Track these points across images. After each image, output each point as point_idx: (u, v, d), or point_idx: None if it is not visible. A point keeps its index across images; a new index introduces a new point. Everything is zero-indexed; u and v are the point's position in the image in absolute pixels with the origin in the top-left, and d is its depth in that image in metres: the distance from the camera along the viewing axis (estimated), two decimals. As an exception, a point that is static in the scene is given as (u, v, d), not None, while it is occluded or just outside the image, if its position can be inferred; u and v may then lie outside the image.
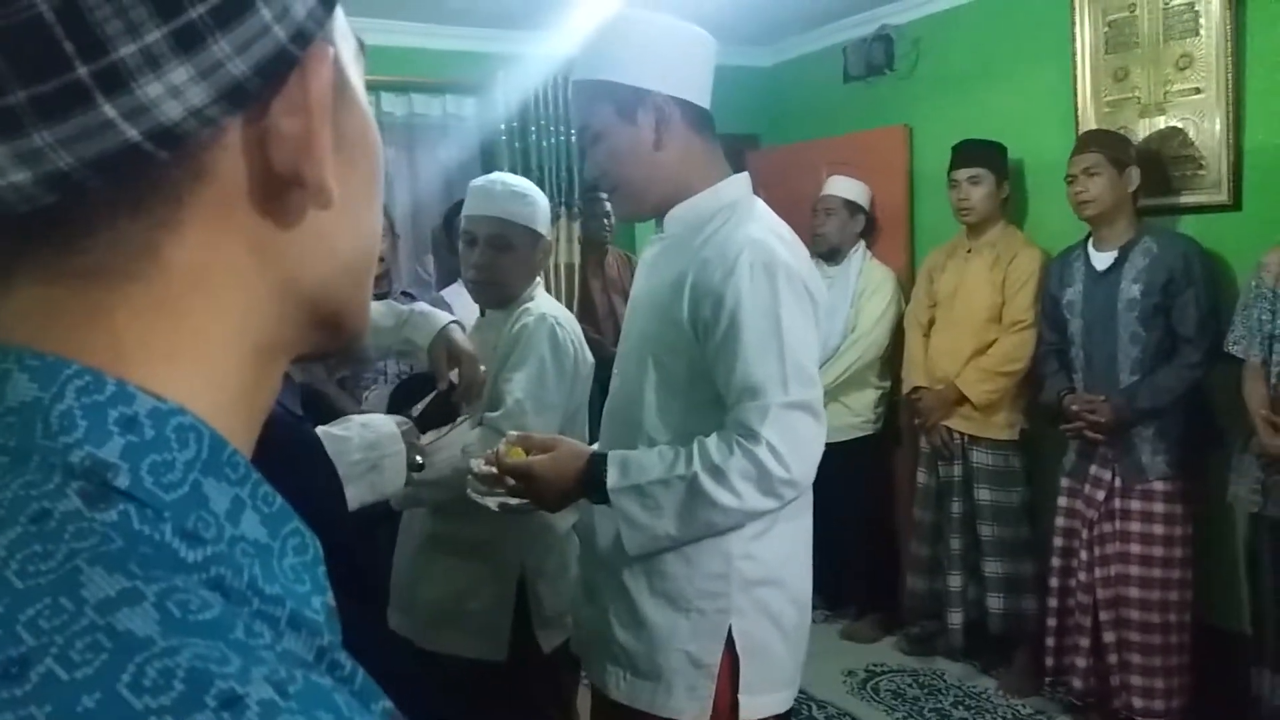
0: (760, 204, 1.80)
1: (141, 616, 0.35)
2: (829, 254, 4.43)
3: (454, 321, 2.15)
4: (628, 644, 1.75)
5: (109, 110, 0.40)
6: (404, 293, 3.89)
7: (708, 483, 1.62)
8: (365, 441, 1.70)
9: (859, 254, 4.46)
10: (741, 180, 1.83)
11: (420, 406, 1.93)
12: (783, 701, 1.80)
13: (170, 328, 0.45)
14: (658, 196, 1.79)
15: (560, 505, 1.78)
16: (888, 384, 4.38)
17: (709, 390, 1.70)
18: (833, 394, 4.27)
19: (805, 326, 1.66)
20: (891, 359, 4.34)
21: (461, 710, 2.30)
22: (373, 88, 4.39)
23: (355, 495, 1.67)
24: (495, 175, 2.47)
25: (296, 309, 0.50)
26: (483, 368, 2.08)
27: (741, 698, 1.72)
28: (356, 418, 1.79)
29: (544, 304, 2.37)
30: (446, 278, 4.45)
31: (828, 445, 4.18)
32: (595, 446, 1.90)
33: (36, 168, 0.40)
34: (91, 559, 0.37)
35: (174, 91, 0.41)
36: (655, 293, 1.79)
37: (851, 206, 4.45)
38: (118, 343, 0.43)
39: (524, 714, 2.34)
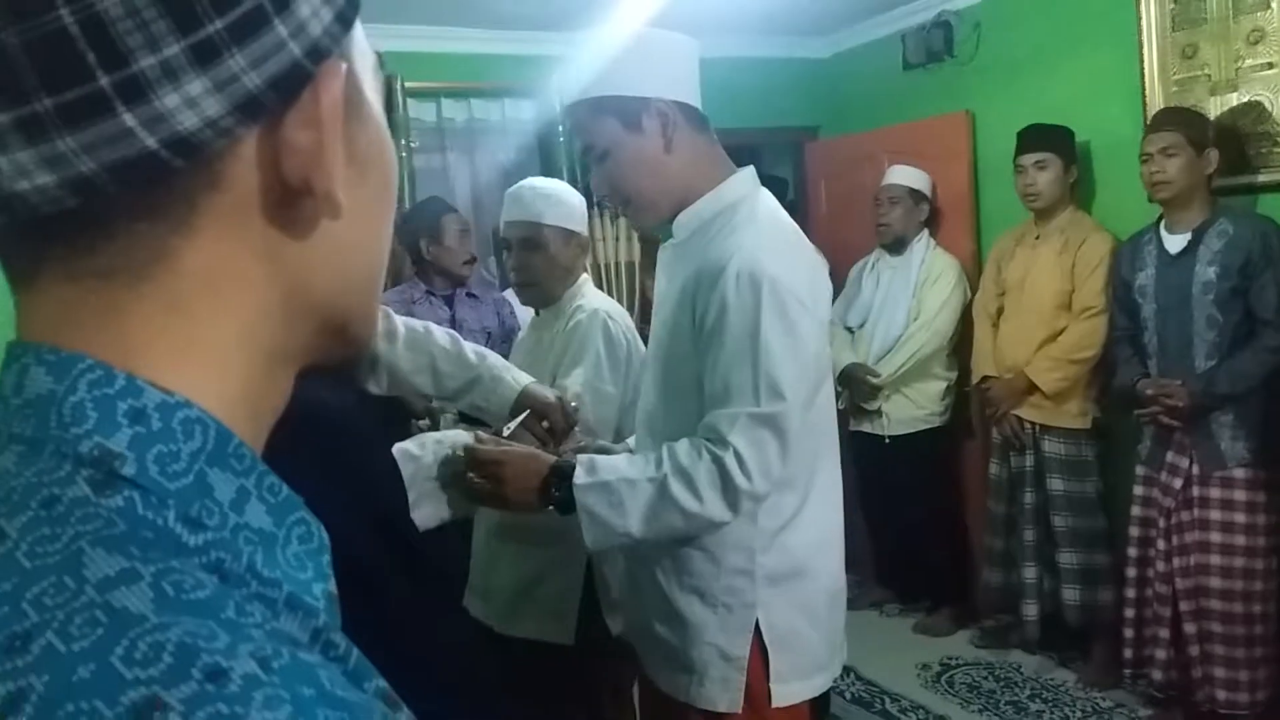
0: (763, 203, 1.79)
1: (137, 595, 0.38)
2: (894, 244, 4.40)
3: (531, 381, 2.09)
4: (665, 637, 1.81)
5: (129, 119, 0.42)
6: (469, 294, 3.95)
7: (675, 486, 1.65)
8: (440, 458, 1.72)
9: (922, 243, 4.41)
10: (744, 178, 1.83)
11: (512, 426, 1.92)
12: (817, 686, 1.84)
13: (181, 328, 0.46)
14: (670, 202, 1.81)
15: (520, 503, 1.75)
16: (954, 375, 4.32)
17: None
18: (895, 385, 4.27)
19: (787, 341, 1.64)
20: (959, 349, 4.29)
21: (533, 693, 2.34)
22: (433, 94, 4.46)
23: (432, 513, 1.68)
24: (525, 181, 2.52)
25: (305, 316, 0.52)
26: (574, 404, 2.05)
27: (773, 686, 1.76)
28: (433, 435, 1.80)
29: (595, 300, 2.42)
30: (507, 279, 4.48)
31: (893, 438, 4.21)
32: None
33: (60, 171, 0.43)
34: (94, 541, 0.40)
35: (190, 102, 0.43)
36: (666, 299, 1.83)
37: (916, 195, 4.41)
38: (129, 340, 0.45)
39: (587, 696, 2.40)
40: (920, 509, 4.29)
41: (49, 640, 0.36)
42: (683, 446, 1.68)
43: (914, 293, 4.33)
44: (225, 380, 0.48)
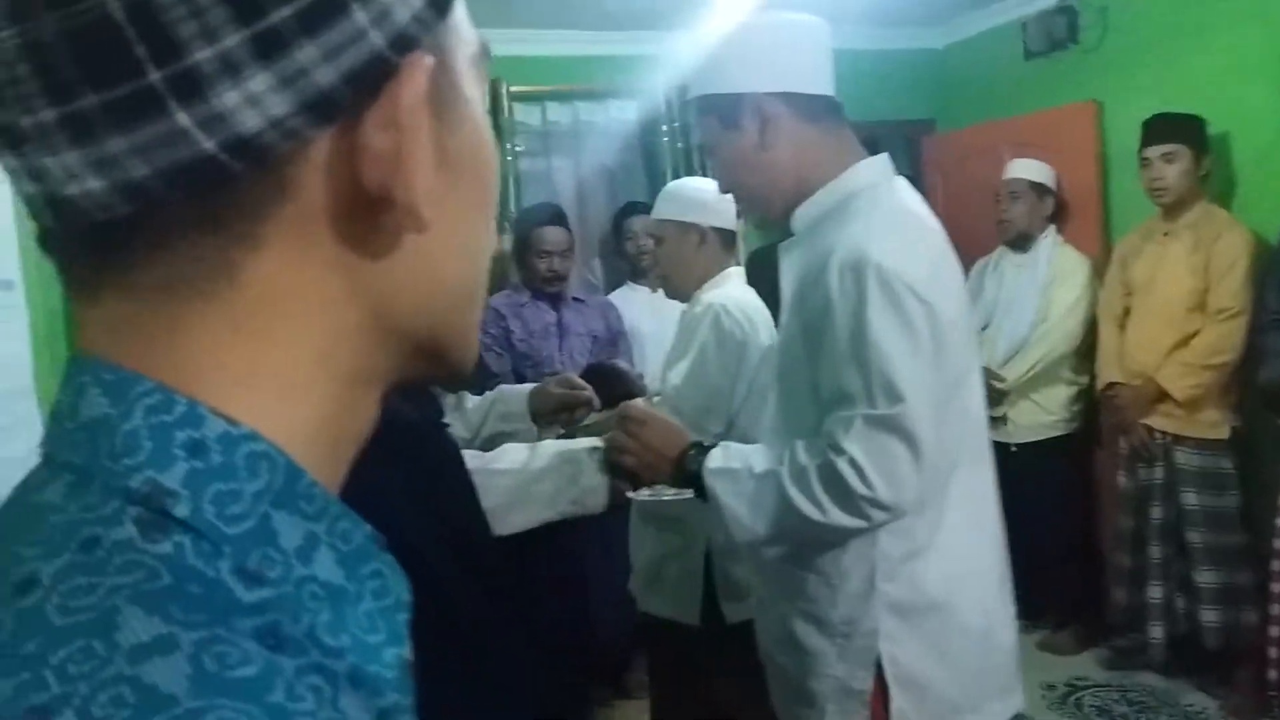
0: (887, 192, 1.66)
1: (172, 669, 0.33)
2: (1017, 241, 4.19)
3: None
4: (785, 665, 1.73)
5: (183, 118, 0.38)
6: (575, 298, 3.93)
7: (790, 487, 1.54)
8: (550, 450, 1.73)
9: (1049, 240, 4.19)
10: (870, 165, 1.69)
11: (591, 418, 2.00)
12: None
13: (247, 350, 0.41)
14: (782, 197, 1.72)
15: (651, 466, 1.70)
16: (1085, 380, 4.07)
17: None
18: (1022, 390, 4.07)
19: (899, 336, 1.50)
20: (1089, 352, 4.03)
21: (661, 668, 2.56)
22: (538, 97, 4.45)
23: (522, 519, 1.65)
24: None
25: (391, 336, 0.46)
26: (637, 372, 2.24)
27: None
28: (525, 445, 1.79)
29: (719, 294, 2.43)
30: (614, 281, 4.46)
31: (1019, 446, 3.99)
32: None
33: (110, 176, 0.38)
34: (133, 597, 0.35)
35: (252, 101, 0.38)
36: (786, 301, 1.74)
37: (1039, 189, 4.19)
38: (192, 362, 0.41)
39: (707, 676, 2.44)
40: (1047, 521, 4.06)
41: None
42: (802, 446, 1.57)
43: (1041, 292, 4.11)
44: (300, 409, 0.43)
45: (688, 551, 2.41)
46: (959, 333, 1.62)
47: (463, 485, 1.50)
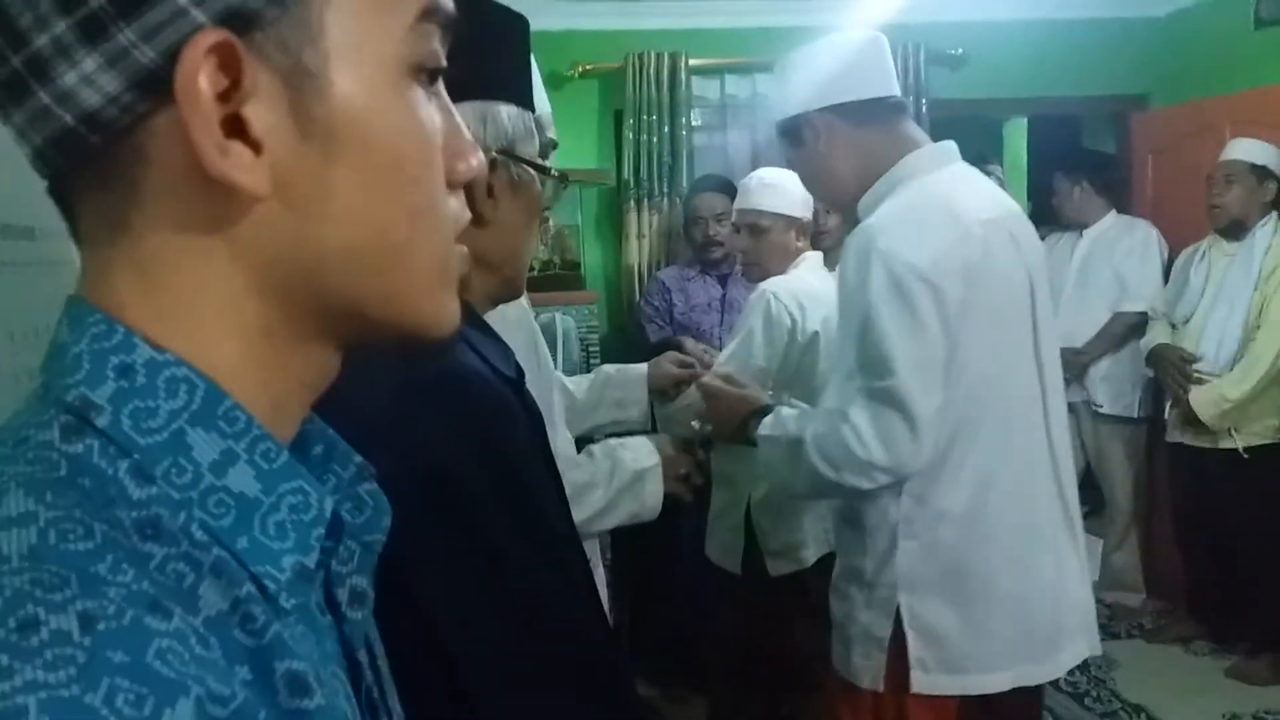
0: (933, 180, 1.81)
1: (20, 538, 0.39)
2: (1230, 228, 3.83)
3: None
4: (835, 611, 1.93)
5: (44, 96, 0.44)
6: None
7: (810, 450, 1.77)
8: (627, 466, 1.83)
9: (1268, 228, 3.80)
10: (918, 156, 1.85)
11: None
12: (966, 685, 1.81)
13: (158, 295, 0.47)
14: (848, 194, 1.92)
15: (720, 433, 2.07)
16: (1298, 381, 3.68)
17: None
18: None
19: (897, 315, 1.68)
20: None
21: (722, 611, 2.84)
22: (717, 71, 4.39)
23: (626, 513, 1.80)
24: (755, 172, 2.83)
25: (295, 299, 0.49)
26: (704, 347, 2.49)
27: (913, 673, 1.79)
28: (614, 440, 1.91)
29: (777, 281, 2.57)
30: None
31: (1217, 453, 3.65)
32: None
33: (26, 144, 0.47)
34: (23, 481, 0.42)
35: (87, 80, 0.44)
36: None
37: (1260, 172, 3.80)
38: (129, 301, 0.47)
39: (749, 623, 2.68)
40: (1250, 535, 3.73)
41: None
42: (821, 414, 1.82)
43: (1256, 286, 3.74)
44: (217, 349, 0.48)
45: (732, 509, 2.66)
46: (983, 311, 1.74)
47: (531, 444, 1.47)
